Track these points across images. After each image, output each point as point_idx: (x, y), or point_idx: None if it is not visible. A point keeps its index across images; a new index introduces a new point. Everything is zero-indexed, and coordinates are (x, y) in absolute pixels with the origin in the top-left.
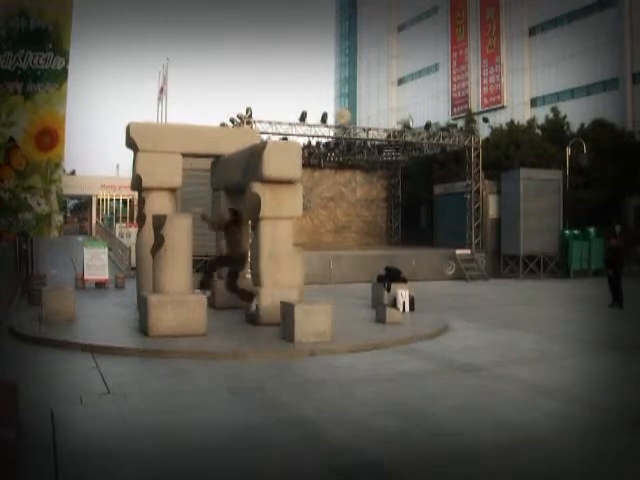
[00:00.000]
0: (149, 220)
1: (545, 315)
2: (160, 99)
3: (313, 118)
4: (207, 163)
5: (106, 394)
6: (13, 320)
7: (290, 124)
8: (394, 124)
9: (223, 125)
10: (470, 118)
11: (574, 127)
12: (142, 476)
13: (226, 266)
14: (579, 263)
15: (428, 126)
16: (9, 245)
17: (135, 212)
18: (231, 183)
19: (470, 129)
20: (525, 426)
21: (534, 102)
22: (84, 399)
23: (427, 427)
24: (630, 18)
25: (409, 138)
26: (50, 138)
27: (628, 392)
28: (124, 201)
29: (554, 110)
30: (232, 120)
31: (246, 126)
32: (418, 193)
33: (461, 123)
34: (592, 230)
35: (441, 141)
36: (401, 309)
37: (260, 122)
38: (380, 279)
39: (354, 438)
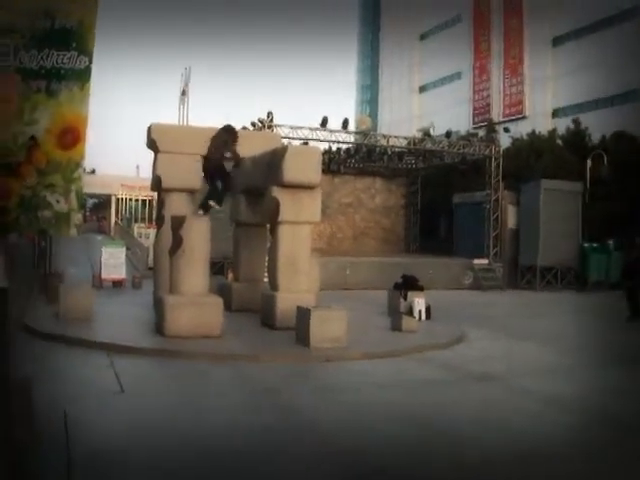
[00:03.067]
0: (168, 221)
1: (561, 327)
2: (182, 101)
3: (334, 124)
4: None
5: (120, 393)
6: (30, 317)
7: (311, 129)
8: (415, 132)
9: (244, 128)
10: (491, 128)
11: (595, 138)
12: (154, 476)
13: None
14: (597, 275)
15: (449, 134)
16: (28, 243)
17: (154, 213)
18: (251, 186)
19: (491, 139)
20: (537, 437)
21: (556, 113)
22: (98, 398)
23: (441, 435)
24: None
25: (429, 146)
26: (72, 137)
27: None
28: (143, 201)
29: (575, 121)
30: (253, 124)
31: (267, 130)
32: (437, 202)
33: (482, 132)
34: (611, 243)
35: (461, 150)
36: (417, 317)
37: (281, 126)
38: (397, 287)
39: (369, 445)
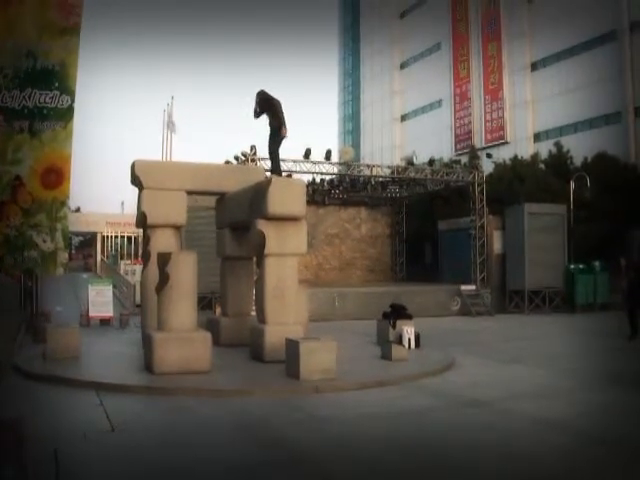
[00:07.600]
0: (154, 257)
1: (551, 350)
2: (167, 129)
3: (317, 155)
4: (212, 200)
5: (110, 432)
6: (18, 357)
7: (294, 161)
8: (398, 160)
9: (228, 163)
10: (474, 154)
11: (577, 161)
12: None
13: None
14: (584, 297)
15: (432, 162)
16: (14, 282)
17: (140, 249)
18: (236, 220)
19: (474, 165)
20: (534, 462)
21: (537, 137)
22: (88, 436)
23: (438, 465)
24: (631, 52)
25: (413, 174)
26: (56, 176)
27: (638, 427)
28: (129, 238)
29: (557, 144)
30: (237, 158)
31: (251, 164)
32: (422, 229)
33: (465, 159)
34: (597, 264)
35: (445, 177)
36: (407, 346)
37: (264, 159)
38: (385, 316)
39: (362, 478)
